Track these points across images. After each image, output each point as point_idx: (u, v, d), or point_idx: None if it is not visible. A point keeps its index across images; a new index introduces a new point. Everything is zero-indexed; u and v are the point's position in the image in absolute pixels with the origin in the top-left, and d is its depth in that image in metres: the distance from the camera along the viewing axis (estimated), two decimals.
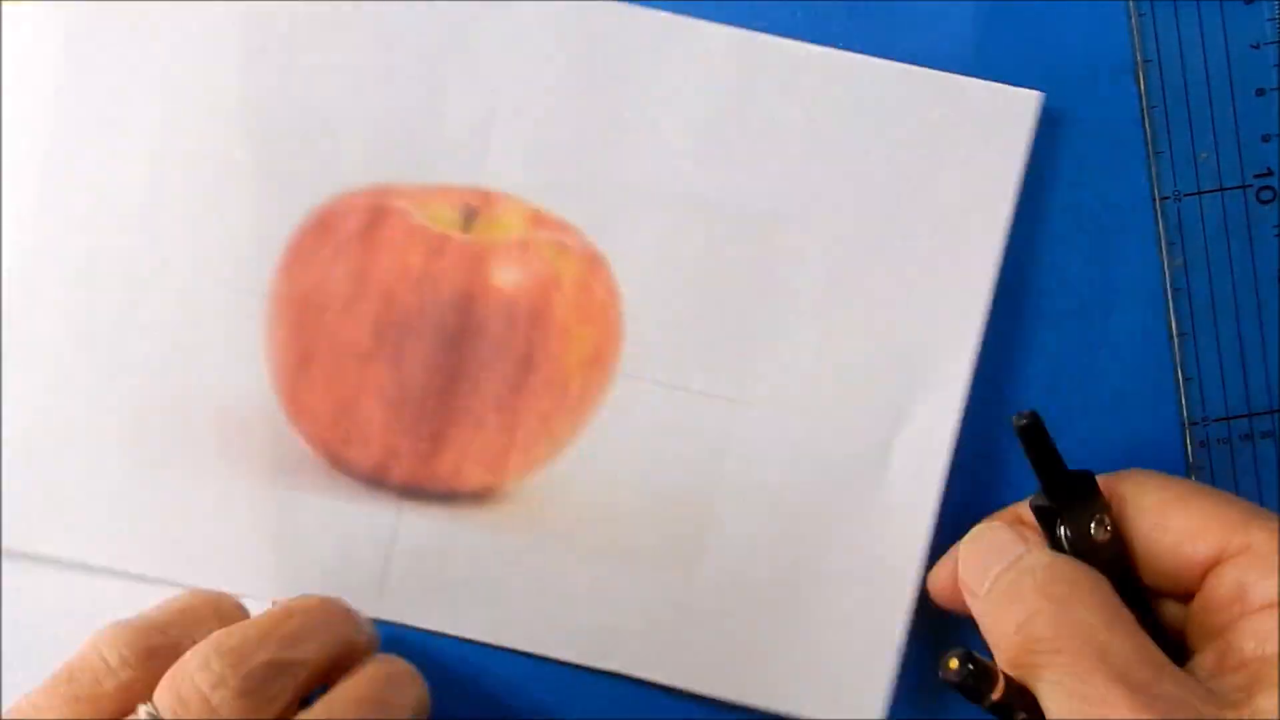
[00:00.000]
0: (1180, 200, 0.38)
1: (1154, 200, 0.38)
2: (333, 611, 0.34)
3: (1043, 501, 0.32)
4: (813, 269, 0.37)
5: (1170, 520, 0.32)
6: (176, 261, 0.37)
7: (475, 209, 0.37)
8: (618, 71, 0.37)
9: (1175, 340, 0.38)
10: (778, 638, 0.37)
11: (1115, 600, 0.30)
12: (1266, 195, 0.38)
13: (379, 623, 0.37)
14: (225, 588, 0.37)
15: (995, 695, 0.30)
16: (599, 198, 0.37)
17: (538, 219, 0.37)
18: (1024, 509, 0.34)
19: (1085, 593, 0.30)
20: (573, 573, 0.38)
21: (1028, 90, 0.37)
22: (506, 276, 0.37)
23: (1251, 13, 0.37)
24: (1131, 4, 0.37)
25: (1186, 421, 0.38)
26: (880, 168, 0.37)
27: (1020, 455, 0.32)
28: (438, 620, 0.38)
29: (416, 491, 0.38)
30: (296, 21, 0.37)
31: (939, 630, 0.38)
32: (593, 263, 0.37)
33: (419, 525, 0.38)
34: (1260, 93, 0.37)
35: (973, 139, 0.37)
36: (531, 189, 0.37)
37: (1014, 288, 0.38)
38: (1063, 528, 0.32)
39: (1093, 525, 0.32)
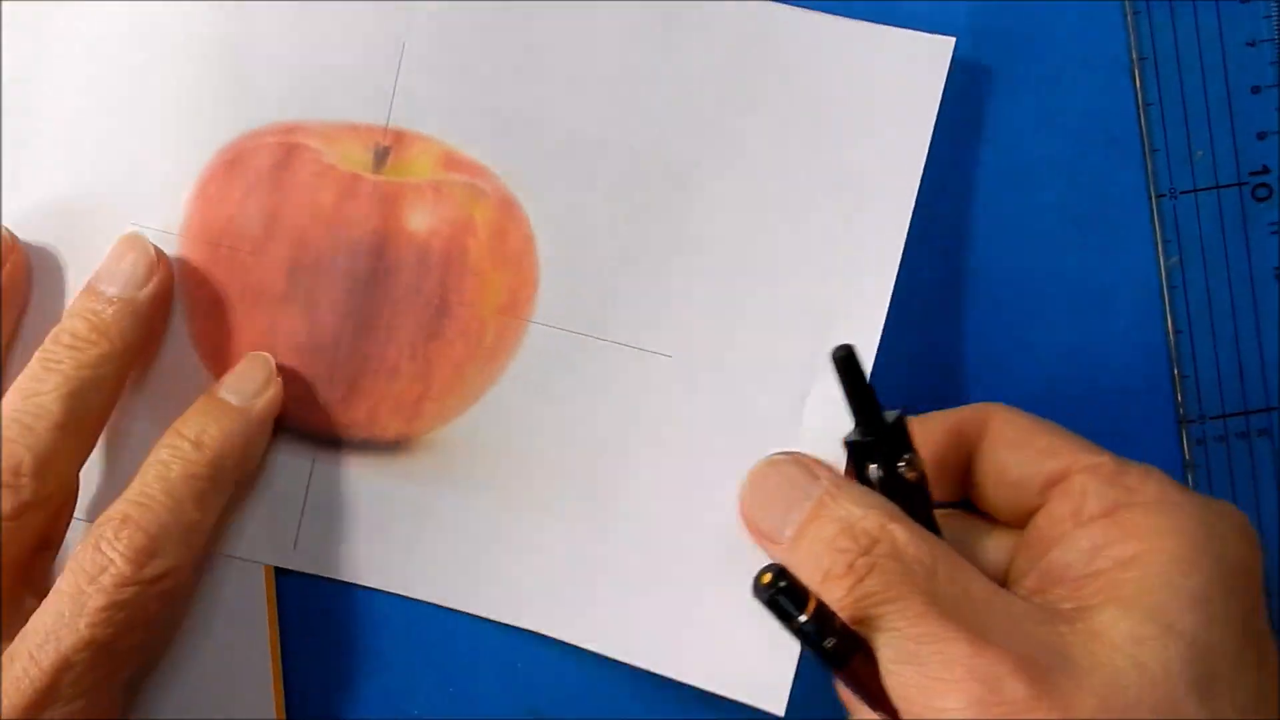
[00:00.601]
0: (1176, 198, 0.38)
1: (1150, 198, 0.38)
2: None
3: (856, 437, 0.32)
4: (729, 218, 0.37)
5: (1034, 439, 0.33)
6: (96, 199, 0.37)
7: (387, 149, 0.37)
8: (535, 13, 0.37)
9: (1171, 338, 0.38)
10: (687, 600, 0.36)
11: (933, 539, 0.31)
12: (1262, 193, 0.38)
13: (293, 574, 0.37)
14: None
15: (804, 617, 0.30)
16: (513, 140, 0.37)
17: (450, 160, 0.37)
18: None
19: (905, 540, 0.30)
20: (486, 524, 0.37)
21: (942, 36, 0.36)
22: (419, 219, 0.37)
23: (1247, 10, 0.37)
24: (1127, 2, 0.37)
25: (1183, 419, 0.38)
26: (796, 117, 0.37)
27: None
28: (351, 571, 0.37)
29: (331, 440, 0.37)
30: None
31: None
32: (507, 207, 0.37)
33: (333, 474, 0.37)
34: (1256, 90, 0.37)
35: (888, 85, 0.36)
36: (444, 129, 0.37)
37: (1010, 285, 0.38)
38: (872, 466, 0.32)
39: (901, 465, 0.32)
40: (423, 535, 0.37)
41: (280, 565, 0.37)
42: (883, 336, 0.36)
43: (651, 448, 0.37)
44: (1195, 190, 0.37)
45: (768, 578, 0.30)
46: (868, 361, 0.36)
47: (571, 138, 0.37)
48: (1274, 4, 0.37)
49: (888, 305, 0.36)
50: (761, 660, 0.35)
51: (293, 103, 0.37)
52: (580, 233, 0.37)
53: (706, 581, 0.36)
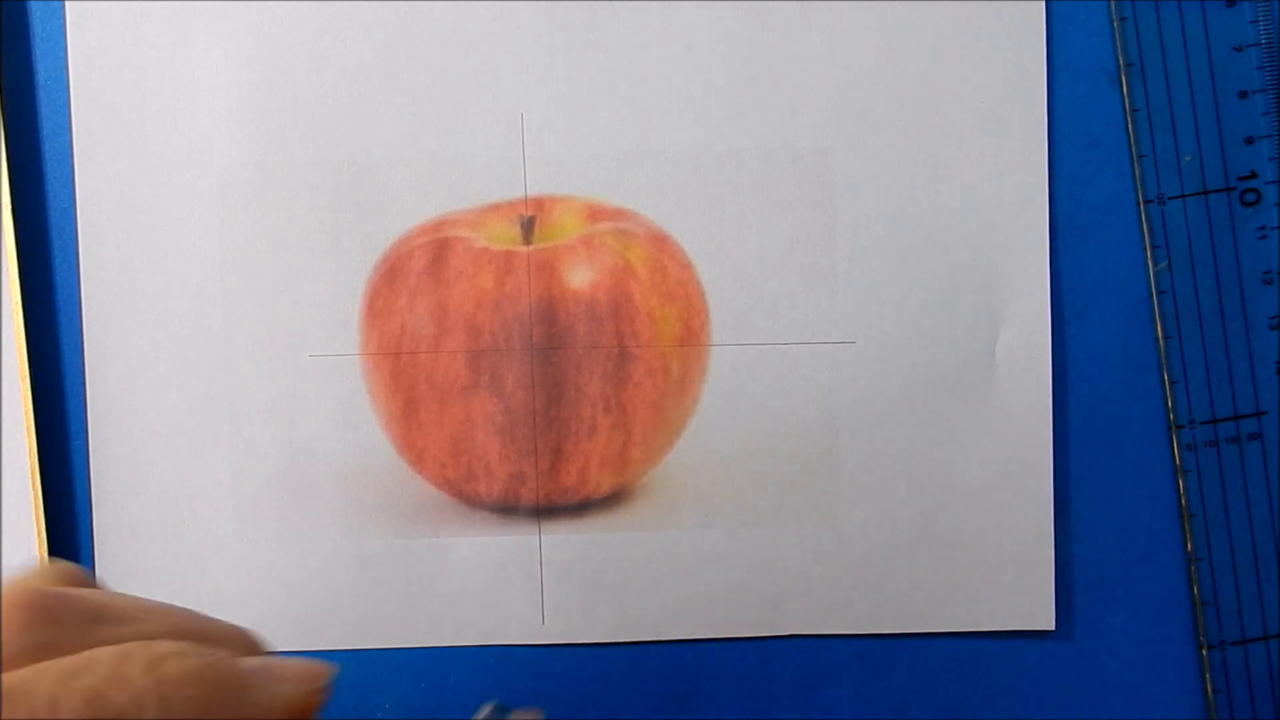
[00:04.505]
0: (1164, 203, 0.38)
1: (1138, 204, 0.38)
2: None
3: None
4: (872, 194, 0.37)
5: None
6: (270, 336, 0.38)
7: (531, 218, 0.38)
8: (632, 48, 0.37)
9: (1161, 343, 0.38)
10: (935, 562, 0.38)
11: None
12: (1250, 197, 0.37)
13: (544, 648, 0.38)
14: (383, 645, 0.38)
15: None
16: (648, 175, 0.38)
17: (594, 212, 0.38)
18: None
19: None
20: (723, 551, 0.38)
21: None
22: (579, 277, 0.37)
23: (1233, 15, 0.37)
24: (1113, 7, 0.37)
25: (1173, 424, 0.38)
26: (912, 81, 0.37)
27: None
28: (603, 631, 0.38)
29: (550, 510, 0.38)
30: (324, 81, 0.38)
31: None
32: (659, 242, 0.38)
33: (561, 543, 0.38)
34: (1243, 95, 0.37)
35: (994, 42, 0.37)
36: (580, 185, 0.38)
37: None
38: None
39: None
40: (664, 578, 0.38)
41: (533, 643, 0.38)
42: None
43: (859, 434, 0.38)
44: (1183, 195, 0.37)
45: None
46: (1048, 294, 0.38)
47: (700, 158, 0.37)
48: (1260, 9, 0.37)
49: (1048, 235, 0.38)
50: (1020, 588, 0.38)
51: (432, 199, 0.38)
52: (735, 247, 0.38)
53: (947, 539, 0.38)
